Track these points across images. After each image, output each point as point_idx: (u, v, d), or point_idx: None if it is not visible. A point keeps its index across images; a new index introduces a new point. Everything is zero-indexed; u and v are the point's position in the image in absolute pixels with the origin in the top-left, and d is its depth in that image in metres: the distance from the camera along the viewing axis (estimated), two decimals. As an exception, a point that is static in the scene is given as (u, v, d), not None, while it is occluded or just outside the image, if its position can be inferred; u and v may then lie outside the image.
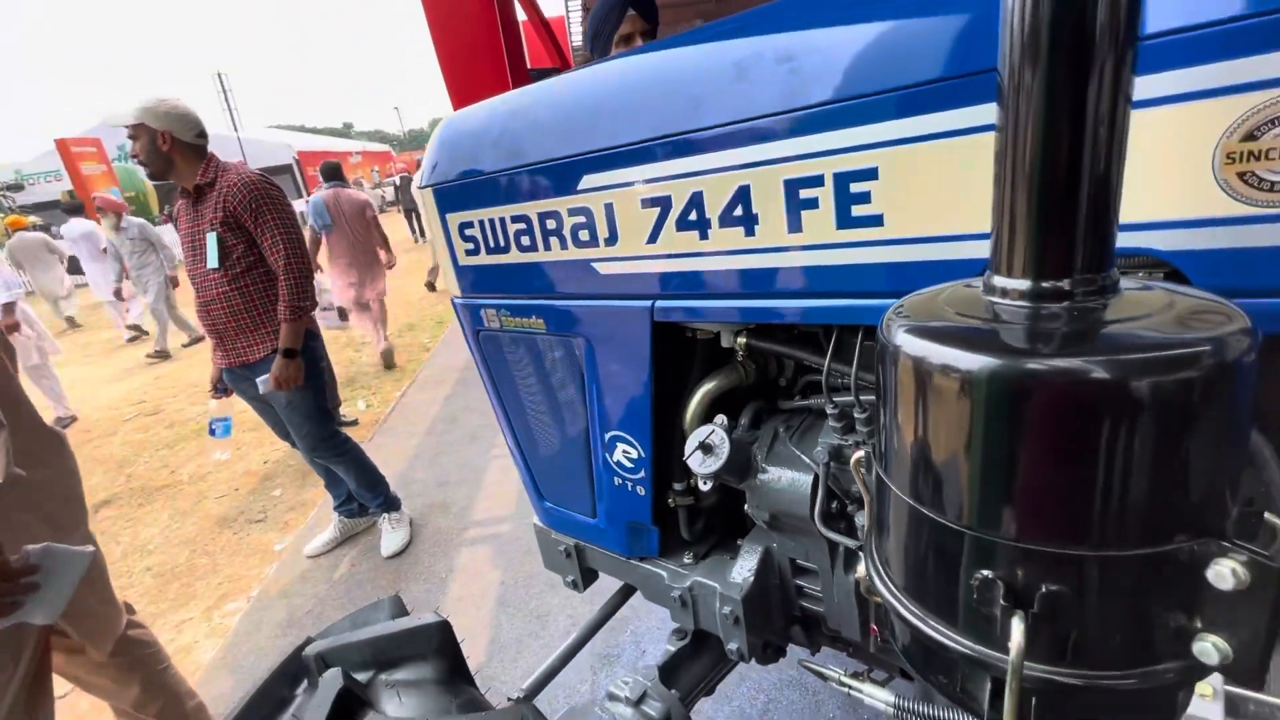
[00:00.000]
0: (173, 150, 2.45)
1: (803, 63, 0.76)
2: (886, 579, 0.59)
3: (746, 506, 1.13)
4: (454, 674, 0.94)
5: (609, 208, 0.98)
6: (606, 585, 1.54)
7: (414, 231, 16.84)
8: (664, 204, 0.92)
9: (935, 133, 0.67)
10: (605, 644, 2.30)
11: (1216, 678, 0.75)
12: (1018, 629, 0.45)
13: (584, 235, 1.04)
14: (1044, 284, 0.46)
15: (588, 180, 0.99)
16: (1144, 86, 0.56)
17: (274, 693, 0.96)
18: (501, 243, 1.17)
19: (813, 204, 0.78)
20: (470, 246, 1.23)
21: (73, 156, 19.63)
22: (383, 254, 5.89)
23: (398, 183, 17.83)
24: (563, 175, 1.02)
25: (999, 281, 0.49)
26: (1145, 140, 0.57)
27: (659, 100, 0.90)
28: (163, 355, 8.02)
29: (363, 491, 3.13)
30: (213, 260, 2.50)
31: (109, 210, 7.52)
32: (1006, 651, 0.45)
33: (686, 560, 1.31)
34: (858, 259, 0.77)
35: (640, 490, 1.23)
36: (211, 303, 2.60)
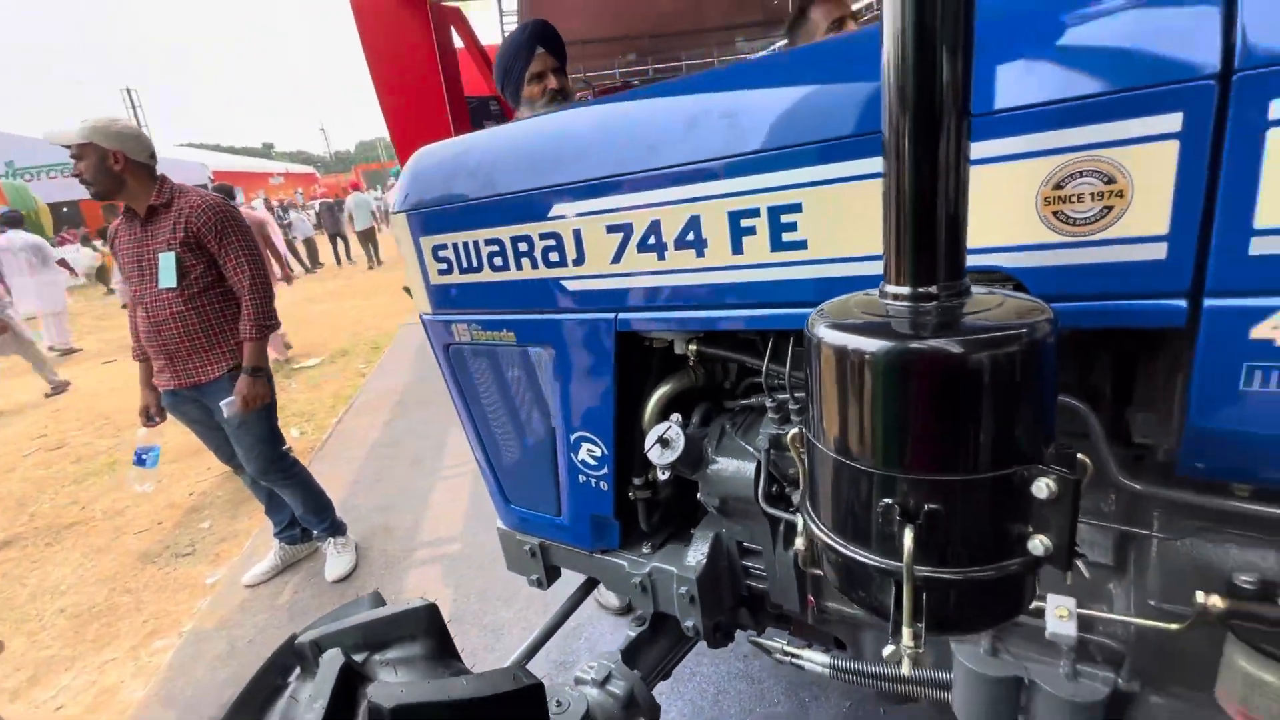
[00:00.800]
0: (125, 170, 2.43)
1: (741, 119, 0.94)
2: (818, 523, 0.75)
3: (699, 494, 1.29)
4: (443, 650, 1.03)
5: (577, 233, 1.13)
6: (563, 591, 1.65)
7: (337, 258, 16.45)
8: (626, 230, 1.08)
9: (845, 176, 0.86)
10: (561, 651, 2.37)
11: (1071, 601, 0.95)
12: (908, 538, 0.61)
13: (554, 256, 1.18)
14: (919, 290, 0.64)
15: (558, 209, 1.14)
16: (986, 149, 0.77)
17: (266, 682, 1.01)
18: (475, 263, 1.29)
19: (751, 231, 0.96)
20: (443, 267, 1.35)
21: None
22: (277, 268, 6.25)
23: (317, 209, 17.34)
24: (535, 204, 1.16)
25: (889, 289, 0.67)
26: (991, 187, 0.78)
27: (622, 144, 1.06)
28: (60, 389, 7.45)
29: (309, 516, 3.09)
30: (169, 280, 2.49)
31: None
32: (902, 559, 0.62)
33: (645, 550, 1.44)
34: (788, 276, 0.95)
35: (603, 486, 1.36)
36: (164, 323, 2.57)
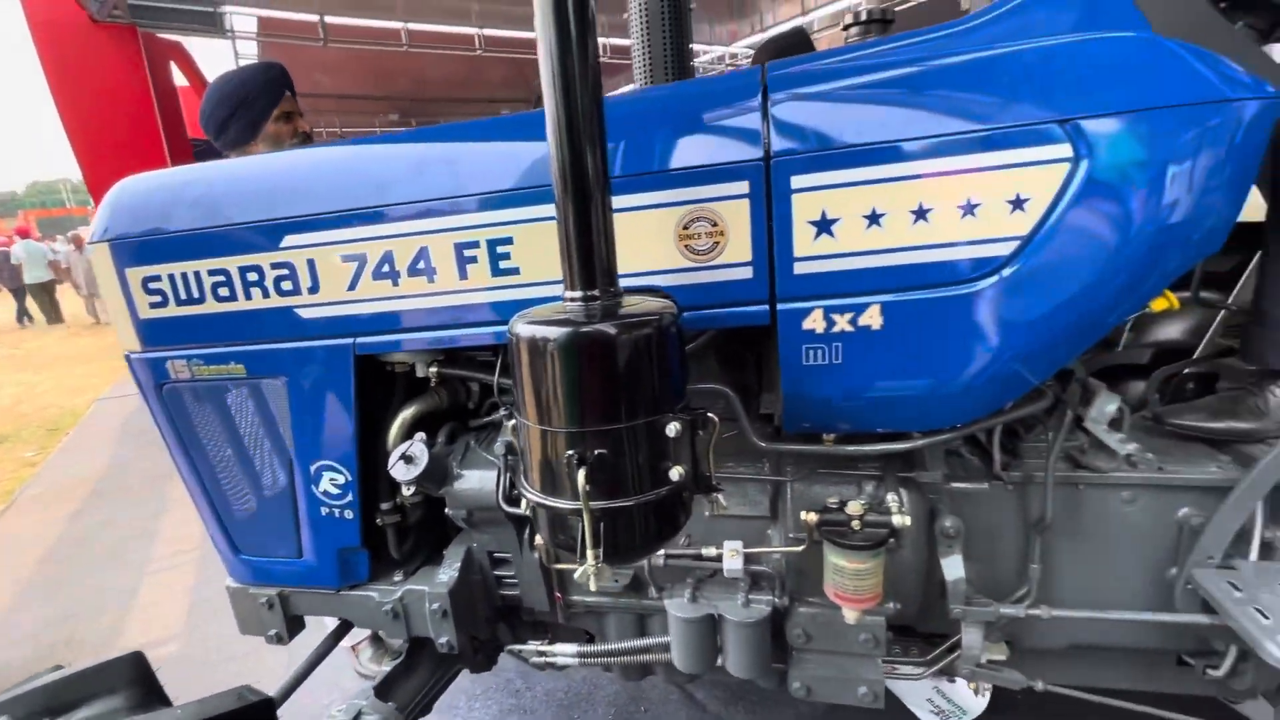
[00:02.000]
0: None
1: (461, 166, 1.12)
2: (530, 488, 0.91)
3: (447, 509, 1.37)
4: (151, 698, 0.94)
5: (311, 262, 1.19)
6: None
7: (19, 317, 13.02)
8: (361, 259, 1.17)
9: (544, 216, 1.09)
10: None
11: (739, 543, 1.25)
12: (582, 477, 0.80)
13: (287, 285, 1.21)
14: (585, 293, 0.86)
15: (290, 239, 1.19)
16: (639, 199, 1.05)
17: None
18: (196, 294, 1.25)
19: (474, 260, 1.13)
20: (156, 299, 1.28)
21: None
22: None
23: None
24: (266, 234, 1.19)
25: (567, 295, 0.88)
26: (646, 227, 1.06)
27: (356, 182, 1.17)
28: None
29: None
30: None
31: None
32: (581, 497, 0.81)
33: (397, 579, 1.46)
34: (506, 298, 1.14)
35: (348, 515, 1.36)
36: None
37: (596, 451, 0.82)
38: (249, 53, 7.38)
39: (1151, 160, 0.93)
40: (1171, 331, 1.67)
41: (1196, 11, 0.96)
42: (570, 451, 0.83)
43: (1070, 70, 0.95)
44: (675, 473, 0.86)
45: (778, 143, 1.00)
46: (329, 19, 7.31)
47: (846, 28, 1.43)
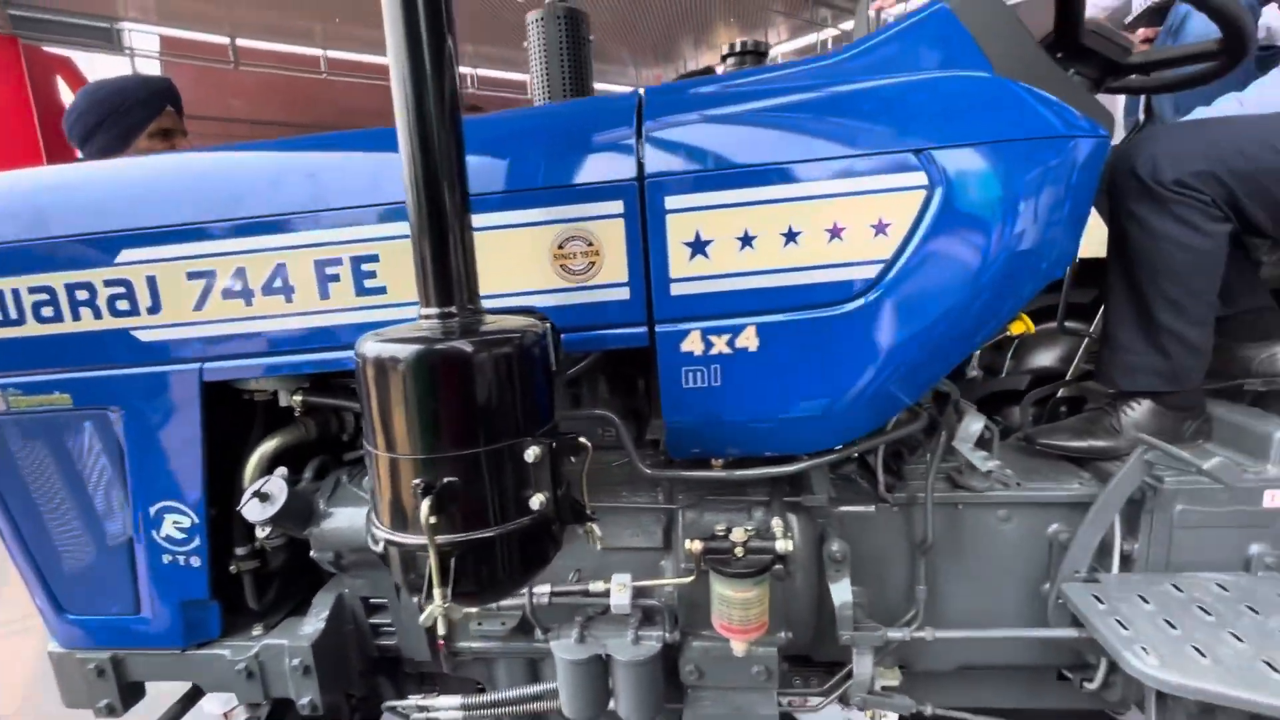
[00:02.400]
0: None
1: (323, 178, 1.05)
2: (379, 524, 0.83)
3: (312, 553, 1.25)
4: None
5: (151, 279, 1.08)
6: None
7: None
8: (210, 276, 1.07)
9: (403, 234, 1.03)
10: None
11: (628, 576, 1.19)
12: (425, 508, 0.73)
13: (123, 305, 1.09)
14: (442, 309, 0.81)
15: (126, 254, 1.07)
16: (510, 217, 1.01)
17: None
18: (14, 315, 1.11)
19: (336, 279, 1.05)
20: (-37, 321, 1.12)
21: None
22: None
23: None
24: (99, 248, 1.07)
25: (423, 311, 0.83)
26: (521, 246, 1.02)
27: (205, 192, 1.08)
28: None
29: None
30: None
31: None
32: (425, 530, 0.74)
33: (256, 633, 1.31)
34: (372, 319, 1.06)
35: (195, 562, 1.21)
36: None
37: (445, 480, 0.76)
38: (153, 72, 6.99)
39: (1000, 190, 0.98)
40: (1045, 359, 1.79)
41: (1033, 58, 1.03)
42: (416, 480, 0.76)
43: (925, 104, 1.00)
44: (536, 501, 0.81)
45: (652, 163, 1.00)
46: (241, 42, 7.05)
47: (724, 58, 1.48)
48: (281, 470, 1.20)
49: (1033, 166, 0.99)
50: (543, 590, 1.19)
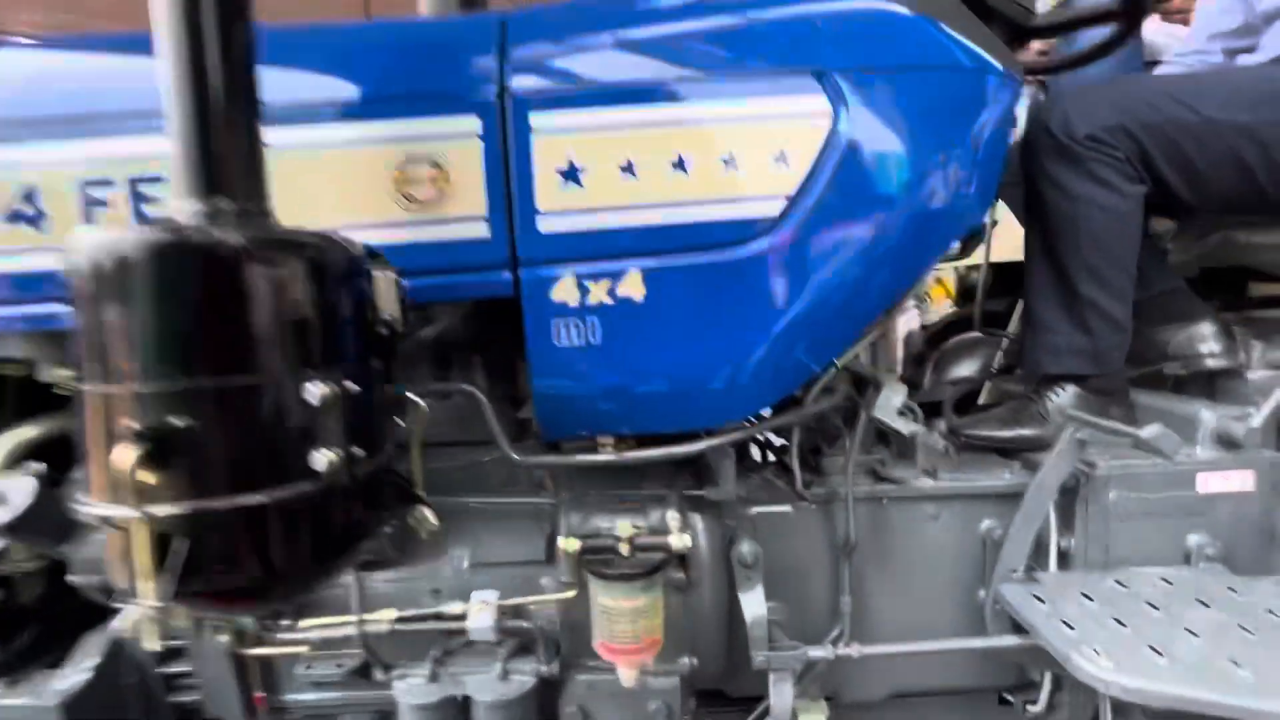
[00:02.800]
0: None
1: (100, 74, 0.84)
2: (85, 500, 0.58)
3: (70, 576, 0.95)
4: None
5: None
6: None
7: None
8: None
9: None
10: None
11: (493, 594, 0.96)
12: (134, 456, 0.50)
13: None
14: (209, 201, 0.60)
15: None
16: (338, 132, 0.83)
17: None
18: None
19: (106, 204, 0.82)
20: None
21: None
22: None
23: None
24: None
25: (174, 203, 0.61)
26: (353, 170, 0.83)
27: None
28: None
29: None
30: None
31: None
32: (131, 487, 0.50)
33: (-5, 693, 0.98)
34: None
35: (-104, 594, 0.90)
36: None
37: (172, 420, 0.53)
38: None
39: (909, 123, 0.88)
40: (965, 369, 1.74)
41: (952, 7, 0.96)
42: (129, 422, 0.53)
43: (829, 26, 0.89)
44: (321, 460, 0.58)
45: (515, 77, 0.84)
46: None
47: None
48: (35, 466, 0.91)
49: (944, 101, 0.90)
50: (381, 616, 0.93)
